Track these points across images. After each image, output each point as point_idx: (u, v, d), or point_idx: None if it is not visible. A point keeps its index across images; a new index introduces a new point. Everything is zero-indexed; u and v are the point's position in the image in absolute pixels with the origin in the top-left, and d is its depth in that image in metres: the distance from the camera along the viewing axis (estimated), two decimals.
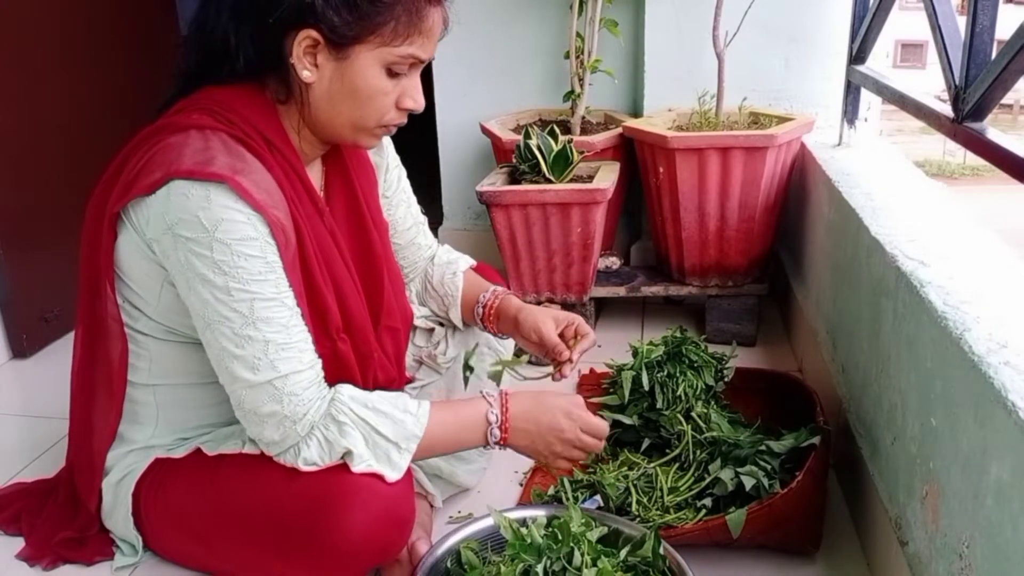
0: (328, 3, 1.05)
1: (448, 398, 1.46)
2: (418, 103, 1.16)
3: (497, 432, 1.19)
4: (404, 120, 1.19)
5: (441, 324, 1.51)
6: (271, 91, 1.14)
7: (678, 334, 1.58)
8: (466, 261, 1.51)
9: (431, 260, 1.50)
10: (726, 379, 1.55)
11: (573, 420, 1.22)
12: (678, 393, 1.49)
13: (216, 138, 1.09)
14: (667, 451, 1.45)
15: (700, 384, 1.51)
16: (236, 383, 1.09)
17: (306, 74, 1.10)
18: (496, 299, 1.43)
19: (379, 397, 1.14)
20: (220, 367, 1.10)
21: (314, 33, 1.07)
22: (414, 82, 1.15)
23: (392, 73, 1.12)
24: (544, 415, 1.21)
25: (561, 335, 1.37)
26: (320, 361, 1.13)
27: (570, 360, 1.34)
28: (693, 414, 1.46)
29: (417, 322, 1.48)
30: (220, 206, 1.04)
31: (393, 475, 1.10)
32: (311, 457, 1.10)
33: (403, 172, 1.45)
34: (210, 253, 1.04)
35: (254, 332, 1.06)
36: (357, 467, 1.09)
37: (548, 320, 1.37)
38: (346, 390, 1.12)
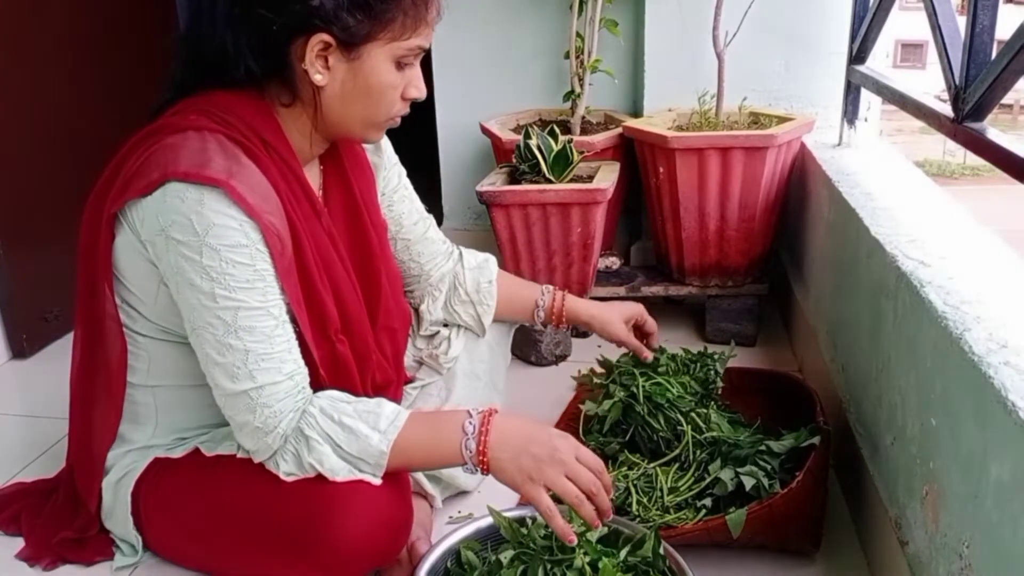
0: (339, 5, 1.05)
1: (447, 399, 1.46)
2: (421, 91, 1.18)
3: (475, 470, 1.08)
4: (408, 110, 1.20)
5: (445, 325, 1.51)
6: (271, 96, 1.14)
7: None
8: (494, 263, 1.53)
9: (460, 263, 1.50)
10: (719, 374, 1.54)
11: (567, 441, 1.09)
12: (665, 407, 1.47)
13: (213, 139, 1.09)
14: (667, 451, 1.45)
15: (689, 386, 1.50)
16: (217, 390, 1.10)
17: (319, 77, 1.09)
18: (557, 303, 1.50)
19: (353, 410, 1.10)
20: (206, 372, 1.11)
21: (326, 36, 1.07)
22: (416, 71, 1.17)
23: (400, 66, 1.13)
24: (530, 443, 1.07)
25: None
26: (304, 370, 1.12)
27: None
28: (693, 414, 1.46)
29: (422, 330, 1.48)
30: (213, 211, 1.03)
31: (374, 481, 1.10)
32: (289, 469, 1.10)
33: (403, 170, 1.45)
34: (199, 258, 1.04)
35: (235, 341, 1.06)
36: (334, 478, 1.08)
37: (619, 323, 1.49)
38: (320, 401, 1.10)
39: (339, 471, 1.08)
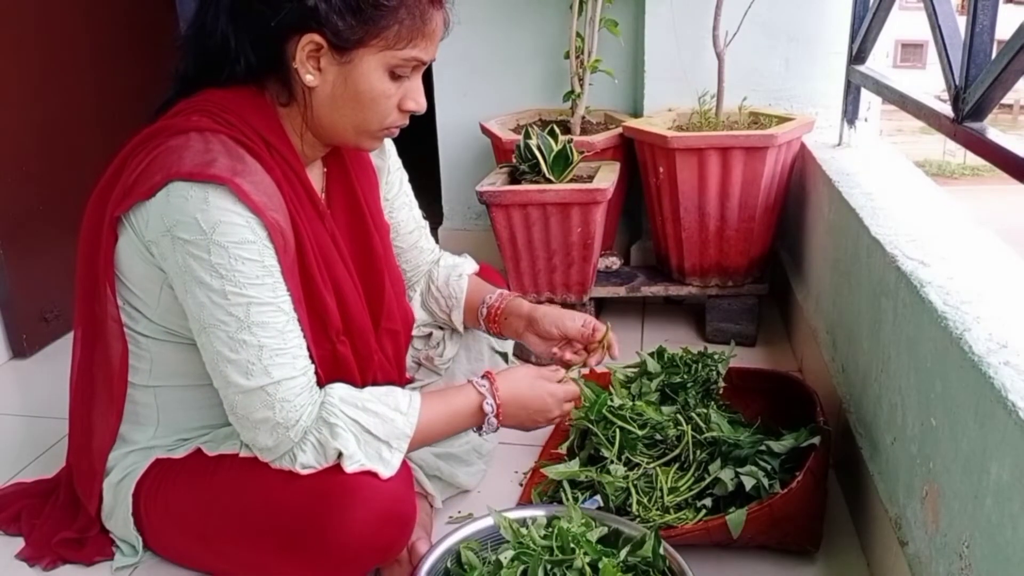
0: (332, 7, 1.05)
1: None
2: (420, 105, 1.16)
3: (494, 421, 1.23)
4: (406, 122, 1.19)
5: (440, 328, 1.51)
6: (271, 94, 1.14)
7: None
8: (471, 265, 1.51)
9: (436, 263, 1.50)
10: (720, 375, 1.53)
11: (557, 399, 1.28)
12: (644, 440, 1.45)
13: (217, 140, 1.09)
14: (667, 451, 1.44)
15: (694, 391, 1.50)
16: (229, 388, 1.09)
17: (309, 78, 1.09)
18: (503, 300, 1.43)
19: (370, 395, 1.13)
20: (215, 371, 1.10)
21: (317, 37, 1.06)
22: (416, 84, 1.15)
23: (395, 76, 1.12)
24: (533, 400, 1.26)
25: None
26: (313, 366, 1.13)
27: (604, 349, 1.38)
28: (693, 414, 1.45)
29: (414, 331, 1.47)
30: (218, 208, 1.04)
31: (386, 472, 1.10)
32: (307, 461, 1.10)
33: (405, 176, 1.45)
34: (207, 256, 1.04)
35: (249, 337, 1.06)
36: (349, 467, 1.09)
37: (568, 315, 1.39)
38: (336, 391, 1.12)
39: (357, 458, 1.09)
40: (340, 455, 1.09)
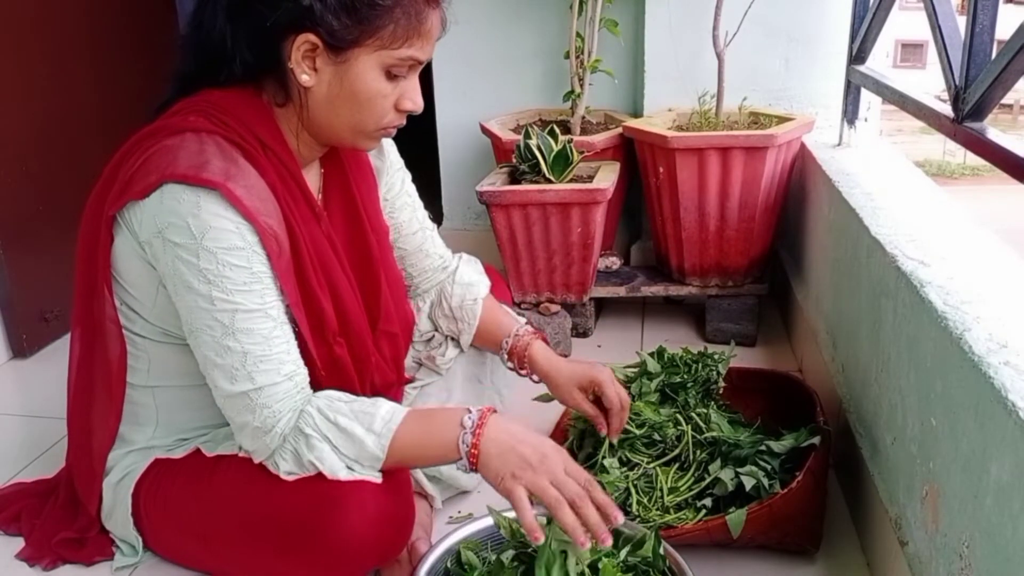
0: (327, 7, 1.05)
1: (448, 401, 1.46)
2: (417, 104, 1.16)
3: (466, 463, 1.07)
4: (403, 122, 1.18)
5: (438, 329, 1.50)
6: (268, 94, 1.14)
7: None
8: (485, 285, 1.47)
9: (452, 276, 1.46)
10: (721, 375, 1.53)
11: (559, 453, 1.07)
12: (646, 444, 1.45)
13: (211, 141, 1.09)
14: (667, 451, 1.44)
15: (694, 391, 1.50)
16: (217, 391, 1.10)
17: (305, 78, 1.09)
18: (523, 346, 1.40)
19: (349, 410, 1.09)
20: (205, 373, 1.11)
21: (313, 37, 1.06)
22: (413, 83, 1.15)
23: (391, 75, 1.11)
24: (520, 444, 1.06)
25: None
26: (303, 371, 1.12)
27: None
28: (692, 414, 1.45)
29: (416, 336, 1.47)
30: (209, 213, 1.03)
31: (375, 478, 1.10)
32: (289, 469, 1.10)
33: (407, 176, 1.44)
34: (196, 260, 1.04)
35: (233, 343, 1.06)
36: (335, 476, 1.07)
37: (569, 389, 1.34)
38: (317, 401, 1.10)
39: (339, 470, 1.08)
40: (317, 465, 1.08)
